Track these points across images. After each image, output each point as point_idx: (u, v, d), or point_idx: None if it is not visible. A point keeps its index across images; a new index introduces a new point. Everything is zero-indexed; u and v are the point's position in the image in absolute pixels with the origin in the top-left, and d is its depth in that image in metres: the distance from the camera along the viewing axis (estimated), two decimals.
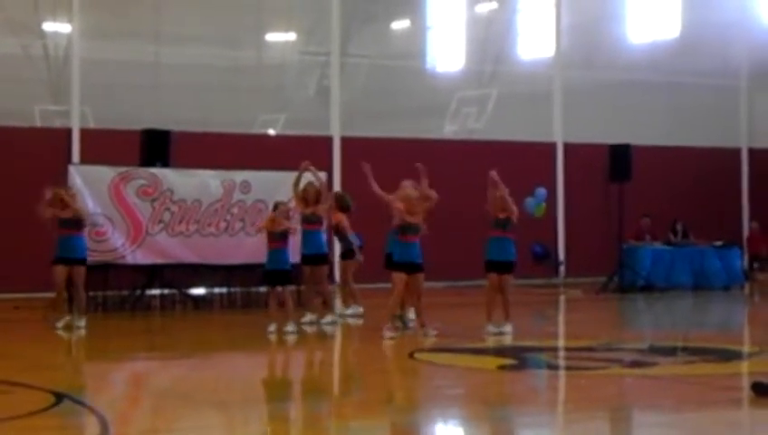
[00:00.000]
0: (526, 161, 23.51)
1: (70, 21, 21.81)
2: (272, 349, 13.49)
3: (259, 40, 29.02)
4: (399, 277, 13.41)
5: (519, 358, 12.20)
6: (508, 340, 13.54)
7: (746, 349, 13.38)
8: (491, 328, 13.88)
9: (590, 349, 12.72)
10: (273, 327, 14.07)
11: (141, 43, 24.95)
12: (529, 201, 16.83)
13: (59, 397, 9.21)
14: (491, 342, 13.41)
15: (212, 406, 9.28)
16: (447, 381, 10.99)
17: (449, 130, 26.23)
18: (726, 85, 25.71)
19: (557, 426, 8.71)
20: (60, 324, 14.72)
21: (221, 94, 25.37)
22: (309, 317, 15.20)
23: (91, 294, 15.85)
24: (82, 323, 14.81)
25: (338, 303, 16.72)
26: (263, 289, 17.28)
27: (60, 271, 14.87)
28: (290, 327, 14.10)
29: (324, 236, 15.58)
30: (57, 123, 22.52)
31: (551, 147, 24.50)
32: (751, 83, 26.24)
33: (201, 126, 21.36)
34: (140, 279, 17.46)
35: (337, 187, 20.95)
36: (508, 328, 13.92)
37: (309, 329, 14.77)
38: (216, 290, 18.02)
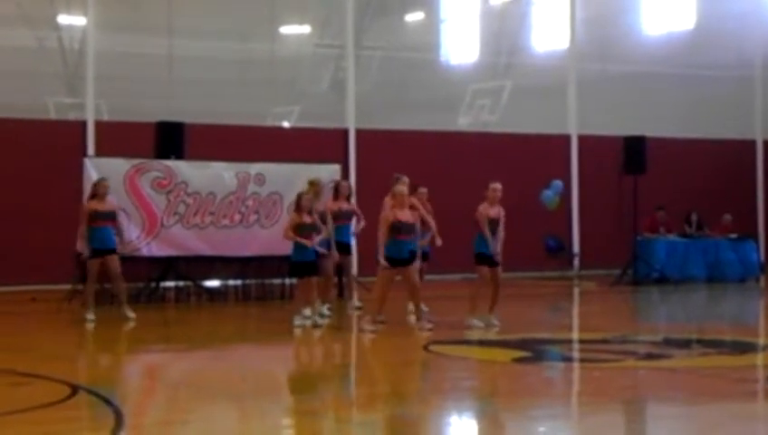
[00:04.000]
0: (540, 154, 23.51)
1: (85, 14, 21.83)
2: (286, 341, 13.51)
3: (273, 33, 29.01)
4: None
5: (534, 350, 12.20)
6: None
7: (761, 341, 13.35)
8: (476, 322, 13.93)
9: (604, 341, 12.72)
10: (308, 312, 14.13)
11: (155, 36, 24.96)
12: (547, 194, 16.79)
13: (74, 388, 9.25)
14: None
15: (226, 398, 9.30)
16: (462, 373, 11.00)
17: (463, 122, 26.20)
18: (741, 77, 25.60)
19: (571, 418, 8.71)
20: (90, 317, 14.70)
21: (235, 87, 25.38)
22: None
23: (106, 286, 15.87)
24: (131, 313, 14.87)
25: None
26: (277, 281, 17.37)
27: (96, 265, 14.82)
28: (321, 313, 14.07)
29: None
30: (72, 116, 22.56)
31: (565, 139, 24.44)
32: (766, 75, 26.13)
33: (215, 118, 21.37)
34: (155, 271, 17.50)
35: (353, 180, 20.97)
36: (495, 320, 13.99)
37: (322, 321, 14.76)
38: (231, 282, 18.05)
